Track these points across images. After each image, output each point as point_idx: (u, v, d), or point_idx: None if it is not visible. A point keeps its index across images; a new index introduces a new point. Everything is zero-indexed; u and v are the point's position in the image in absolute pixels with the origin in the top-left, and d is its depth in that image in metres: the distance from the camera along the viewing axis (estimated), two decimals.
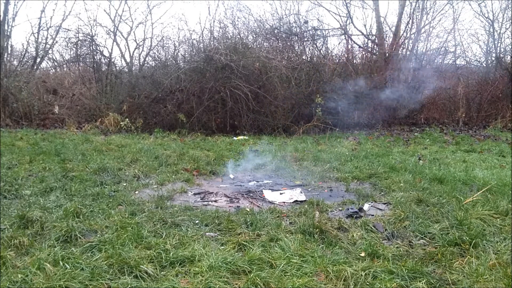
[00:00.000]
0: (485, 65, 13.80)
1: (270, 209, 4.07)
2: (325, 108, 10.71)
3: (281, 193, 4.76)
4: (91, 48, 12.99)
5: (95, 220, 3.57)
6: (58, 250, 2.91)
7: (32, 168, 5.57)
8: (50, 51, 13.60)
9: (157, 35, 17.63)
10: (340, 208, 4.14)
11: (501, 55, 13.57)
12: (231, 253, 2.93)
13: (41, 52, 13.05)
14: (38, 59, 13.10)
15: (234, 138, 9.71)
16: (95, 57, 12.98)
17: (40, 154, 6.48)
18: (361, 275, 2.64)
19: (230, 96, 10.25)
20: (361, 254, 2.99)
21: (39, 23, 12.82)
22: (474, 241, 3.09)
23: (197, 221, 3.64)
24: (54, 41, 13.35)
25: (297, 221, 3.63)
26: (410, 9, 13.57)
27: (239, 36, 12.57)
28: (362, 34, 13.67)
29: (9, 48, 13.00)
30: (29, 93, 11.42)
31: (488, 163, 6.64)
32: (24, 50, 13.14)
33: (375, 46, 13.67)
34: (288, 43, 12.80)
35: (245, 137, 9.85)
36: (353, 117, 11.40)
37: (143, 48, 13.86)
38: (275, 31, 12.99)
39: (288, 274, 2.67)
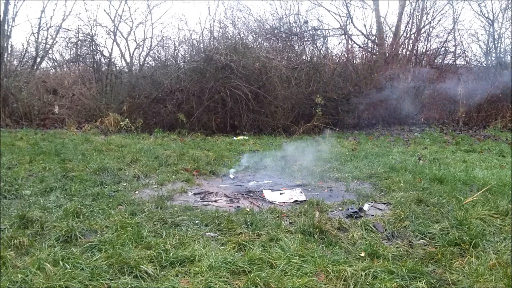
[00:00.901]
0: (485, 65, 13.79)
1: (270, 209, 4.07)
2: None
3: (281, 193, 4.76)
4: (91, 48, 13.00)
5: (95, 220, 3.57)
6: (58, 250, 2.91)
7: (32, 168, 5.57)
8: (50, 51, 13.62)
9: (157, 35, 17.67)
10: (340, 208, 4.14)
11: (501, 55, 13.57)
12: (231, 253, 2.93)
13: (41, 52, 13.05)
14: (38, 59, 13.10)
15: (234, 138, 9.70)
16: (95, 57, 12.98)
17: (40, 154, 6.48)
18: (361, 275, 2.64)
19: (230, 96, 10.24)
20: (361, 254, 2.99)
21: (39, 23, 12.84)
22: (474, 241, 3.09)
23: (197, 221, 3.64)
24: (54, 41, 13.36)
25: (297, 221, 3.63)
26: (410, 9, 13.60)
27: (239, 36, 12.58)
28: (362, 34, 13.69)
29: (9, 48, 13.01)
30: (29, 93, 11.42)
31: (488, 163, 6.64)
32: (24, 50, 13.16)
33: (375, 46, 13.67)
34: (288, 43, 12.80)
35: (245, 137, 9.85)
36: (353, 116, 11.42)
37: (143, 48, 13.89)
38: (275, 31, 13.00)
39: (288, 274, 2.67)
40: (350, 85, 11.37)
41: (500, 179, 5.04)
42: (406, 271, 2.67)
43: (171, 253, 2.89)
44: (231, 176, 5.68)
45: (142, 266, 2.68)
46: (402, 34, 13.56)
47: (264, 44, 12.90)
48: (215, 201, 4.49)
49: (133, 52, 13.78)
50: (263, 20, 13.75)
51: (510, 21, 13.25)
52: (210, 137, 9.86)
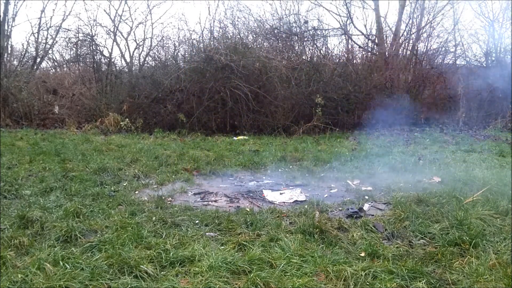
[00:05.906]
0: (485, 65, 13.78)
1: (270, 209, 4.07)
2: None
3: (281, 193, 4.75)
4: (91, 48, 13.00)
5: (95, 220, 3.57)
6: (58, 250, 2.91)
7: (32, 168, 5.57)
8: (50, 51, 13.62)
9: (157, 35, 17.56)
10: (340, 208, 4.14)
11: (501, 55, 13.55)
12: (231, 253, 2.93)
13: (41, 52, 13.05)
14: (38, 59, 13.10)
15: (234, 138, 9.70)
16: (95, 57, 12.98)
17: (40, 154, 6.48)
18: (361, 275, 2.64)
19: (230, 96, 10.24)
20: (361, 254, 2.99)
21: (39, 23, 12.84)
22: (474, 241, 3.08)
23: (197, 221, 3.64)
24: (54, 41, 13.36)
25: (297, 221, 3.63)
26: (410, 9, 13.58)
27: (239, 36, 12.57)
28: (362, 34, 13.67)
29: (9, 48, 13.02)
30: (29, 93, 11.42)
31: (488, 163, 6.63)
32: (24, 50, 13.17)
33: (375, 46, 13.66)
34: (288, 43, 12.79)
35: (245, 137, 9.84)
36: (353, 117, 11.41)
37: (143, 48, 13.87)
38: (275, 31, 12.98)
39: (288, 274, 2.67)
40: (350, 85, 11.36)
41: (500, 179, 5.04)
42: (406, 271, 2.67)
43: (171, 253, 2.89)
44: (231, 176, 5.66)
45: (142, 266, 2.68)
46: (402, 34, 13.55)
47: (264, 44, 12.89)
48: (215, 201, 4.49)
49: (133, 52, 13.77)
50: (263, 20, 13.71)
51: (510, 21, 13.25)
52: (210, 137, 9.85)
